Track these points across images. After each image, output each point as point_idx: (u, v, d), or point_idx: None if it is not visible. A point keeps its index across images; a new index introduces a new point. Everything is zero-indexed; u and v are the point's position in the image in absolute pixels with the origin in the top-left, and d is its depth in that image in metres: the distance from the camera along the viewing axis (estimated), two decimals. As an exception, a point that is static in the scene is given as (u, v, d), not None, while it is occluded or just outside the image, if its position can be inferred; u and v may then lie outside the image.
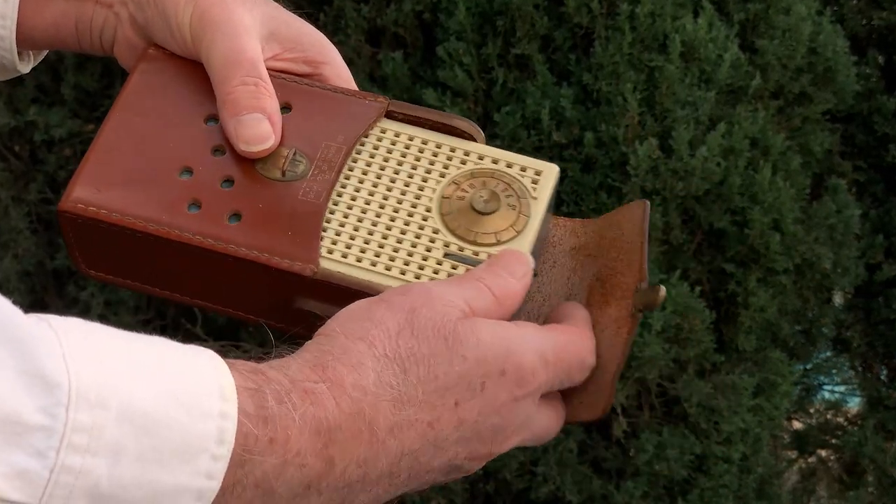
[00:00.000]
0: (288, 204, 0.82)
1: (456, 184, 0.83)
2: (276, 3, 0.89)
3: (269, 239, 0.80)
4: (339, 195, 0.83)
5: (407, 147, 0.85)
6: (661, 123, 2.81)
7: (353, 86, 0.90)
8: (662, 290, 0.79)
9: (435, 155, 0.84)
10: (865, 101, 3.14)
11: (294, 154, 0.83)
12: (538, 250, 0.84)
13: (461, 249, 0.80)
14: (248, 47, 0.84)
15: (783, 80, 2.94)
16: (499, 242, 0.80)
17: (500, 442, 0.74)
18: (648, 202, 0.86)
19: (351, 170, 0.84)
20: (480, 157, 0.85)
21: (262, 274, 0.80)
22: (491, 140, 2.99)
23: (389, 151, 0.85)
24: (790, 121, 3.01)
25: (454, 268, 0.80)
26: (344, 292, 0.79)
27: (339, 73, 0.89)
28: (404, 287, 0.75)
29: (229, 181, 0.83)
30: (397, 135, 0.86)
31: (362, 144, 0.85)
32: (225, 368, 0.66)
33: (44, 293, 3.33)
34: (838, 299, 3.26)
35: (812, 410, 3.31)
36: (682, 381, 2.87)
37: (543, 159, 0.86)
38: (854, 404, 3.34)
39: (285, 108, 0.85)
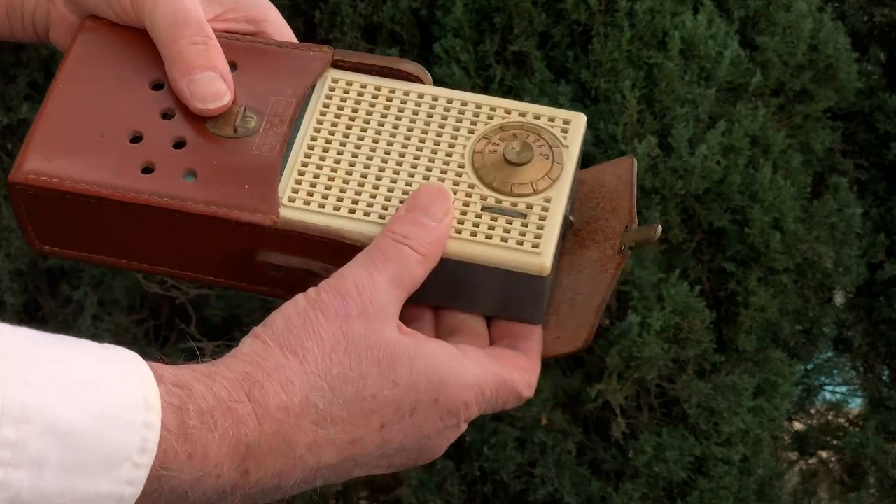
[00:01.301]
0: (242, 159, 0.81)
1: (486, 138, 0.83)
2: None
3: (226, 193, 0.80)
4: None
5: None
6: (661, 121, 2.80)
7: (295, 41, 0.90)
8: (658, 227, 0.81)
9: (461, 112, 0.84)
10: (867, 98, 3.12)
11: (244, 111, 0.83)
12: (572, 197, 0.84)
13: (499, 202, 0.80)
14: (192, 8, 0.84)
15: (784, 77, 2.93)
16: (536, 192, 0.81)
17: (426, 458, 0.76)
18: (634, 158, 0.87)
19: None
20: (507, 111, 0.84)
21: (222, 230, 0.80)
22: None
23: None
24: (791, 118, 2.99)
25: (494, 219, 0.80)
26: (307, 240, 0.79)
27: (280, 29, 0.89)
28: (338, 285, 0.74)
29: (181, 143, 0.82)
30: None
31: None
32: (151, 378, 0.67)
33: (36, 293, 3.32)
34: (839, 299, 3.25)
35: (813, 411, 3.30)
36: (682, 381, 2.85)
37: None
38: (855, 405, 3.33)
39: (231, 66, 0.85)
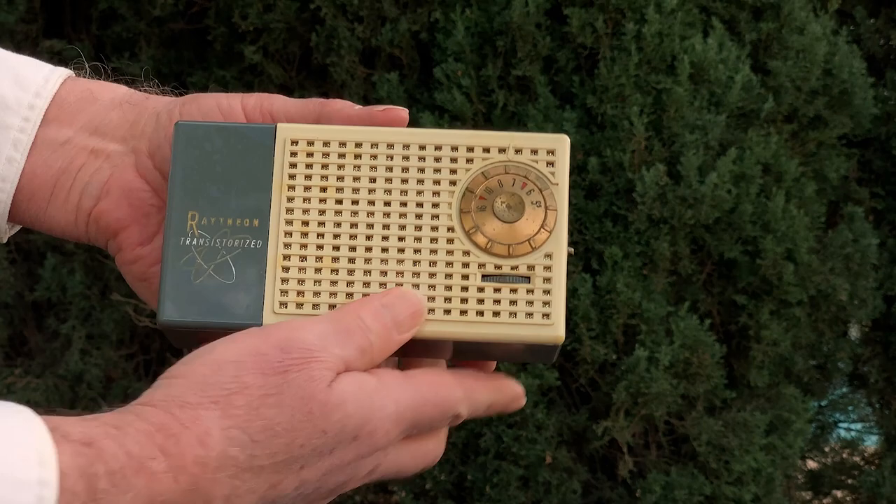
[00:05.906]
0: None
1: (471, 191, 0.78)
2: None
3: None
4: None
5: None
6: (669, 148, 2.77)
7: None
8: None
9: (437, 160, 0.79)
10: (883, 124, 3.11)
11: None
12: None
13: (498, 267, 0.77)
14: None
15: (797, 102, 2.90)
16: (534, 248, 0.78)
17: (341, 492, 0.76)
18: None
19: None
20: (486, 150, 0.79)
21: None
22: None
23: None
24: (804, 145, 2.96)
25: (497, 290, 0.77)
26: None
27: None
28: (286, 340, 0.73)
29: None
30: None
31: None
32: (44, 431, 0.66)
33: (22, 326, 3.29)
34: (855, 332, 3.24)
35: (827, 449, 3.30)
36: (691, 418, 2.83)
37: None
38: (871, 443, 3.33)
39: None
